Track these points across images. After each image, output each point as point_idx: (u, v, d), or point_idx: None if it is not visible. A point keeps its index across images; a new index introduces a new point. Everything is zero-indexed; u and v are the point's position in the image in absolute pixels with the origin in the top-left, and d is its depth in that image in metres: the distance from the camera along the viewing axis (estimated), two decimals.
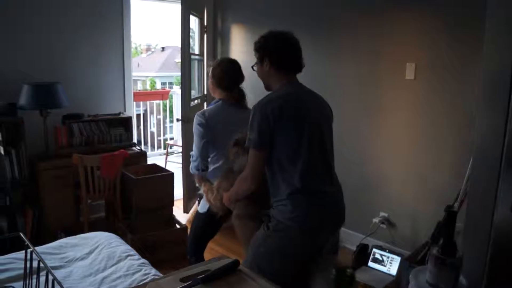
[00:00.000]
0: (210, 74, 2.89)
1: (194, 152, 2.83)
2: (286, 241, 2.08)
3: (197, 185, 2.94)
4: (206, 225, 2.91)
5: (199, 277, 1.35)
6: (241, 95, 2.88)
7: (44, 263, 1.18)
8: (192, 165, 2.87)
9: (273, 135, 2.04)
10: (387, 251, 3.47)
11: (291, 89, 2.17)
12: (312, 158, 2.07)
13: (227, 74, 2.84)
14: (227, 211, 2.50)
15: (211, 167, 2.83)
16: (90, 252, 2.59)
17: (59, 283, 1.17)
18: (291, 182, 2.05)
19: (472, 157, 2.57)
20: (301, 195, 2.06)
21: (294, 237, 2.07)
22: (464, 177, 2.84)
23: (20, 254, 2.42)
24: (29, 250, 1.33)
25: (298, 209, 2.05)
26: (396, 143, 3.67)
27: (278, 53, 2.19)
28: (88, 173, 3.76)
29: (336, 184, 2.23)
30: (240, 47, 5.00)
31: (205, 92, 5.10)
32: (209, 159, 2.83)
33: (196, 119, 2.80)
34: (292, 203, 2.05)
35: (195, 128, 2.80)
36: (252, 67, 2.30)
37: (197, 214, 2.99)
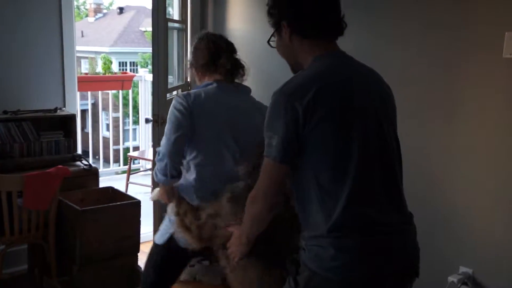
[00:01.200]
0: (191, 60, 3.07)
1: (162, 147, 2.88)
2: None
3: (161, 201, 3.02)
4: (166, 263, 3.03)
5: None
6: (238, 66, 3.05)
7: None
8: (157, 167, 2.92)
9: (305, 141, 1.99)
10: None
11: (330, 63, 2.14)
12: (368, 173, 2.04)
13: (217, 46, 3.03)
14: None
15: (185, 176, 2.92)
16: None
17: None
18: (333, 211, 1.99)
19: None
20: (349, 232, 2.00)
21: None
22: None
23: None
24: None
25: (344, 253, 1.99)
26: (485, 160, 3.61)
27: (299, 10, 2.13)
28: (2, 202, 3.69)
29: (405, 213, 2.19)
30: (244, 12, 5.02)
31: (188, 79, 5.08)
32: (184, 162, 2.92)
33: (176, 102, 2.87)
34: (335, 244, 1.99)
35: (171, 113, 2.86)
36: (268, 42, 2.28)
37: (153, 246, 3.11)
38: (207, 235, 2.56)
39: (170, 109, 2.88)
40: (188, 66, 3.04)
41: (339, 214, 1.98)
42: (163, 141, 2.88)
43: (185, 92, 2.94)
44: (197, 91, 2.93)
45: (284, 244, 2.55)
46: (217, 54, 2.99)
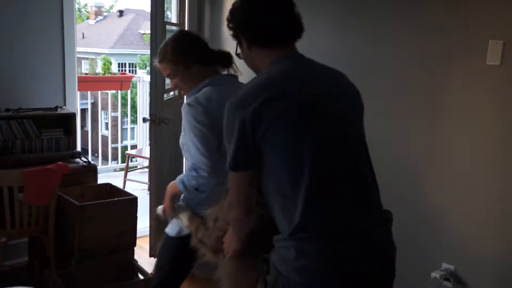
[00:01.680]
0: (169, 64, 2.89)
1: (201, 163, 2.68)
2: None
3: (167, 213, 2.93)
4: (181, 256, 2.92)
5: None
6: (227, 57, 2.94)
7: None
8: (190, 182, 2.74)
9: (259, 148, 1.97)
10: None
11: (282, 67, 2.09)
12: (326, 177, 1.97)
13: (197, 39, 2.97)
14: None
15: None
16: None
17: None
18: (294, 217, 1.95)
19: None
20: (310, 235, 1.96)
21: None
22: None
23: None
24: None
25: (305, 256, 1.95)
26: (468, 160, 3.62)
27: (252, 21, 2.13)
28: (4, 196, 3.69)
29: (377, 213, 2.11)
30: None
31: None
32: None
33: (191, 112, 2.71)
34: (296, 246, 1.96)
35: (194, 125, 2.69)
36: (236, 54, 2.28)
37: (165, 239, 3.02)
38: (219, 245, 2.46)
39: (190, 123, 2.70)
40: (170, 74, 2.89)
41: (299, 219, 1.92)
42: (199, 156, 2.68)
43: (193, 99, 2.73)
44: (202, 94, 2.76)
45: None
46: (207, 47, 2.92)
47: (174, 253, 2.95)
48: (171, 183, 2.86)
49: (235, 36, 2.18)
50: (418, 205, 3.87)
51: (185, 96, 3.00)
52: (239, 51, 2.23)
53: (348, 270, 1.97)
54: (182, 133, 2.81)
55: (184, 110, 2.73)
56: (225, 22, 5.34)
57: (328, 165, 1.98)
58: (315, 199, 1.94)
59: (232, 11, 2.18)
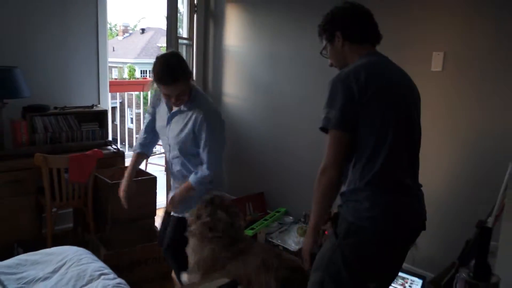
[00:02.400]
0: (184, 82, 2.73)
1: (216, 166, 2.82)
2: (362, 249, 2.00)
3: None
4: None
5: None
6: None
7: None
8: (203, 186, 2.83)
9: (358, 114, 1.97)
10: (406, 272, 3.45)
11: (374, 59, 2.13)
12: (398, 145, 2.01)
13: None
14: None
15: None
16: (55, 271, 2.56)
17: None
18: (368, 173, 1.99)
19: (511, 164, 2.56)
20: (380, 191, 1.99)
21: (372, 242, 1.99)
22: (500, 187, 2.81)
23: None
24: None
25: (376, 206, 1.98)
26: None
27: (350, 22, 2.16)
28: (53, 176, 3.72)
29: (418, 181, 2.18)
30: (236, 31, 4.97)
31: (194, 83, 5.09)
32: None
33: (221, 120, 2.83)
34: (370, 198, 1.98)
35: (220, 131, 2.84)
36: (321, 52, 2.27)
37: (180, 221, 2.94)
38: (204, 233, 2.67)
39: (218, 129, 2.81)
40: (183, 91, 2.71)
41: (374, 176, 1.97)
42: (215, 161, 2.81)
43: (215, 108, 2.88)
44: (214, 105, 2.90)
45: (239, 227, 2.75)
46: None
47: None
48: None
49: (330, 35, 2.18)
50: None
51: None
52: (325, 50, 2.24)
53: (407, 219, 2.05)
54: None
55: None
56: (226, 37, 5.36)
57: (400, 139, 2.01)
58: (389, 162, 1.97)
59: (330, 17, 2.19)
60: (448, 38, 3.39)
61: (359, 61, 2.08)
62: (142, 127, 3.08)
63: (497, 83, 3.19)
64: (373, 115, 1.96)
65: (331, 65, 2.27)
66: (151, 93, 2.97)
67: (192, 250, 2.68)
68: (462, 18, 3.33)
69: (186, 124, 2.78)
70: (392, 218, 1.99)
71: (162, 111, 2.93)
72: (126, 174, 3.06)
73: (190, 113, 2.77)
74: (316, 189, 2.00)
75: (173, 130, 2.84)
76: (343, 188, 2.07)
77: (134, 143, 8.21)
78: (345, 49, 2.16)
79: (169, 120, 2.86)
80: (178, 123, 2.83)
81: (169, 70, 2.62)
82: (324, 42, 2.23)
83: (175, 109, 2.83)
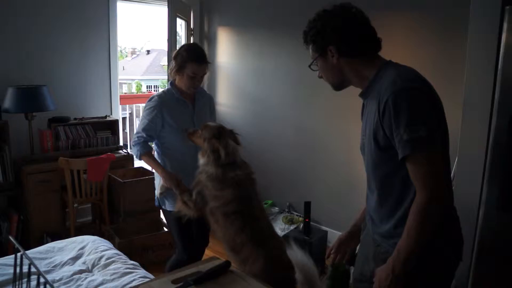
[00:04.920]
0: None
1: None
2: None
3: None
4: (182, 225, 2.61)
5: (190, 278, 1.35)
6: None
7: (35, 266, 1.17)
8: None
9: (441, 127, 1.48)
10: None
11: (400, 67, 1.56)
12: (447, 161, 1.57)
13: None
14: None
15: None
16: (78, 256, 2.58)
17: (52, 286, 1.16)
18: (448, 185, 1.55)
19: (457, 157, 2.62)
20: (453, 211, 1.58)
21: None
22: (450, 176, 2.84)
23: (5, 259, 2.40)
24: (18, 254, 1.31)
25: (453, 226, 1.56)
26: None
27: (344, 35, 1.57)
28: (74, 176, 3.73)
29: None
30: (227, 50, 4.99)
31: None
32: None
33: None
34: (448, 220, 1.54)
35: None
36: (309, 66, 1.70)
37: (171, 214, 2.66)
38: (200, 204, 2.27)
39: None
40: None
41: (450, 196, 1.56)
42: None
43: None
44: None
45: (259, 207, 2.31)
46: None
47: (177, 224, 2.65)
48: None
49: (321, 48, 1.61)
50: (354, 171, 3.89)
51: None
52: (315, 64, 1.68)
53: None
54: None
55: None
56: (218, 54, 5.35)
57: (447, 151, 1.56)
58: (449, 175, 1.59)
59: (320, 26, 1.60)
60: (402, 52, 3.43)
61: (391, 69, 1.53)
62: (141, 132, 2.63)
63: (446, 95, 3.23)
64: (442, 132, 1.50)
65: (321, 77, 1.71)
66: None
67: (212, 197, 2.25)
68: (413, 35, 3.36)
69: (207, 105, 2.84)
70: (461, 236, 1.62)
71: (176, 112, 2.66)
72: (160, 170, 2.62)
73: (205, 97, 2.84)
74: (421, 220, 1.41)
75: (200, 115, 2.75)
76: (388, 223, 1.59)
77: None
78: (342, 64, 1.60)
79: (194, 110, 2.73)
80: (204, 106, 2.81)
81: (202, 51, 2.64)
82: (313, 54, 1.66)
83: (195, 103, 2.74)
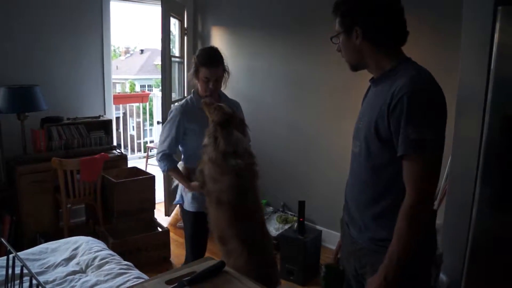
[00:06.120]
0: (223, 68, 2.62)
1: None
2: None
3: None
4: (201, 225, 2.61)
5: (184, 279, 1.35)
6: None
7: (27, 268, 1.17)
8: None
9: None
10: None
11: (419, 67, 1.55)
12: None
13: None
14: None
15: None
16: (71, 257, 2.57)
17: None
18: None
19: (451, 156, 2.63)
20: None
21: None
22: (443, 175, 2.86)
23: None
24: (10, 256, 1.31)
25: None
26: None
27: (375, 20, 1.53)
28: (67, 177, 3.72)
29: None
30: (221, 50, 4.92)
31: (185, 94, 5.10)
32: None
33: None
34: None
35: None
36: (331, 38, 1.65)
37: (186, 215, 2.69)
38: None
39: None
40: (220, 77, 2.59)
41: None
42: None
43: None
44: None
45: (255, 202, 2.29)
46: None
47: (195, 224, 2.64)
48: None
49: (348, 27, 1.56)
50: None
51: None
52: (337, 38, 1.63)
53: None
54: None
55: None
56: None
57: None
58: None
59: (355, 5, 1.56)
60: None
61: (408, 66, 1.54)
62: (165, 149, 2.57)
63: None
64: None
65: (339, 51, 1.66)
66: (190, 83, 2.71)
67: (210, 178, 2.25)
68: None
69: None
70: None
71: (198, 117, 2.55)
72: (187, 184, 2.54)
73: (229, 103, 2.66)
74: (411, 223, 1.42)
75: None
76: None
77: (135, 147, 8.23)
78: (364, 48, 1.57)
79: None
80: None
81: (215, 53, 2.61)
82: (338, 28, 1.62)
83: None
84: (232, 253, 2.17)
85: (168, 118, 2.65)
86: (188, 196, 2.64)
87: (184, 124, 2.59)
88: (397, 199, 1.47)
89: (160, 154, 2.60)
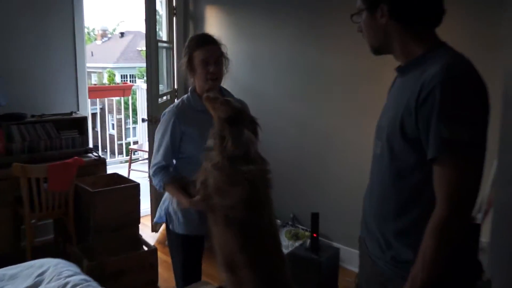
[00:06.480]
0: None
1: None
2: None
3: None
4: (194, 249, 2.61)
5: None
6: None
7: None
8: None
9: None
10: None
11: (458, 53, 1.52)
12: None
13: None
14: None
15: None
16: (35, 285, 2.52)
17: None
18: None
19: (497, 159, 2.58)
20: None
21: None
22: (487, 183, 2.82)
23: None
24: None
25: None
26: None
27: None
28: (32, 186, 3.68)
29: None
30: (217, 33, 4.86)
31: (175, 87, 5.08)
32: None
33: None
34: None
35: None
36: (351, 16, 1.66)
37: (175, 239, 2.63)
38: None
39: None
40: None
41: None
42: None
43: None
44: None
45: (269, 218, 2.19)
46: None
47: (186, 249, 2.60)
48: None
49: (372, 3, 1.56)
50: None
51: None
52: (359, 16, 1.63)
53: None
54: None
55: None
56: None
57: None
58: None
59: None
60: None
61: (447, 53, 1.51)
62: (160, 162, 2.53)
63: None
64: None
65: (360, 31, 1.66)
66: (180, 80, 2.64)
67: (216, 190, 2.14)
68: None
69: None
70: None
71: (197, 121, 2.51)
72: (185, 200, 2.39)
73: None
74: (441, 241, 1.38)
75: None
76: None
77: (116, 150, 8.21)
78: (390, 29, 1.56)
79: None
80: None
81: (208, 35, 2.60)
82: (360, 4, 1.62)
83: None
84: (243, 284, 2.08)
85: (160, 124, 2.58)
86: (178, 214, 2.55)
87: (180, 128, 2.51)
88: (426, 211, 1.43)
89: (154, 168, 2.54)
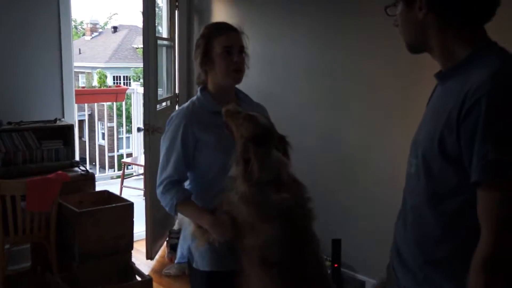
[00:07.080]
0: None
1: None
2: None
3: None
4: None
5: None
6: None
7: None
8: None
9: None
10: None
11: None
12: None
13: None
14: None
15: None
16: None
17: None
18: None
19: None
20: None
21: None
22: None
23: None
24: None
25: None
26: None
27: None
28: (7, 205, 3.68)
29: None
30: None
31: (177, 91, 5.08)
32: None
33: None
34: None
35: None
36: (385, 9, 1.67)
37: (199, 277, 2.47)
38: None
39: None
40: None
41: None
42: None
43: None
44: None
45: (315, 258, 2.18)
46: None
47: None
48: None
49: None
50: None
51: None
52: (394, 8, 1.63)
53: None
54: None
55: None
56: None
57: None
58: None
59: None
60: None
61: (501, 54, 1.49)
62: (171, 175, 2.39)
63: None
64: None
65: (397, 26, 1.64)
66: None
67: (245, 225, 2.11)
68: None
69: None
70: None
71: (212, 125, 2.41)
72: (207, 217, 2.29)
73: (252, 106, 2.58)
74: (490, 279, 1.35)
75: None
76: None
77: (106, 163, 8.21)
78: (428, 24, 1.53)
79: None
80: None
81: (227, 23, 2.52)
82: None
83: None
84: None
85: (167, 130, 2.45)
86: (202, 252, 2.39)
87: (194, 134, 2.38)
88: (471, 237, 1.39)
89: (165, 183, 2.38)
